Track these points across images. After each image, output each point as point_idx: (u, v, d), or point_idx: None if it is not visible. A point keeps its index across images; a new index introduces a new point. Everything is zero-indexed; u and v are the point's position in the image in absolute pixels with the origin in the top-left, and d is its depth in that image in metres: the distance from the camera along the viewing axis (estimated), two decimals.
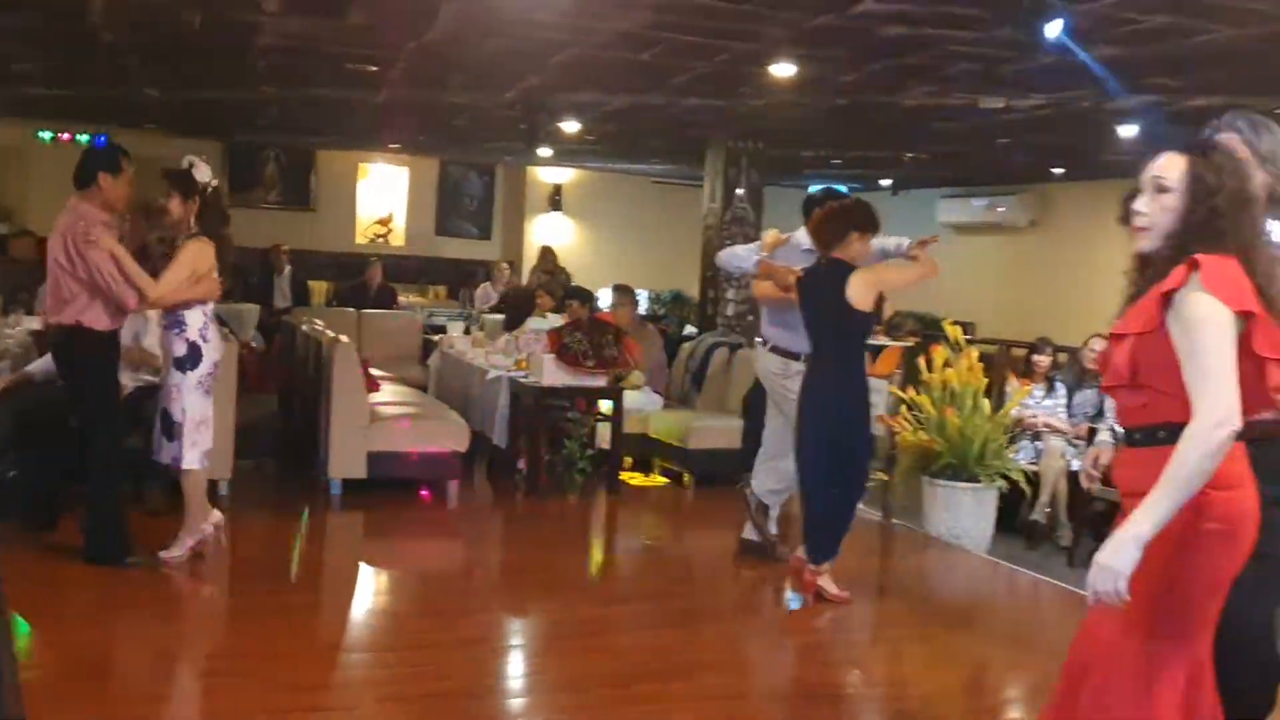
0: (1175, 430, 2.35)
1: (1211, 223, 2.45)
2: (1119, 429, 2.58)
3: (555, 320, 8.09)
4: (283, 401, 8.84)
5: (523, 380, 7.56)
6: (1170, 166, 2.51)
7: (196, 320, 4.98)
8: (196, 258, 4.92)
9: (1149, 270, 2.54)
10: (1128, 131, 7.90)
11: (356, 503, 6.60)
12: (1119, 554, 2.31)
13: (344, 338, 6.99)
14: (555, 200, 15.15)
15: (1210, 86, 6.02)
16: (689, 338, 9.81)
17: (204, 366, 5.01)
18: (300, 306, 11.75)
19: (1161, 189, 2.51)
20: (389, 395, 7.67)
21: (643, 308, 13.20)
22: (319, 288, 13.50)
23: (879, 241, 5.20)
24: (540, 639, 4.84)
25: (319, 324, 8.19)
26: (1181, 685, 2.48)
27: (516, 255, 14.81)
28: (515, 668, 4.47)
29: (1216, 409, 2.30)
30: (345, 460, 6.62)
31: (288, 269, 12.51)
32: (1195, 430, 2.30)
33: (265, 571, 5.35)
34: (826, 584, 5.13)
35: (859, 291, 4.74)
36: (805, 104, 7.47)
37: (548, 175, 15.12)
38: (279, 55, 7.14)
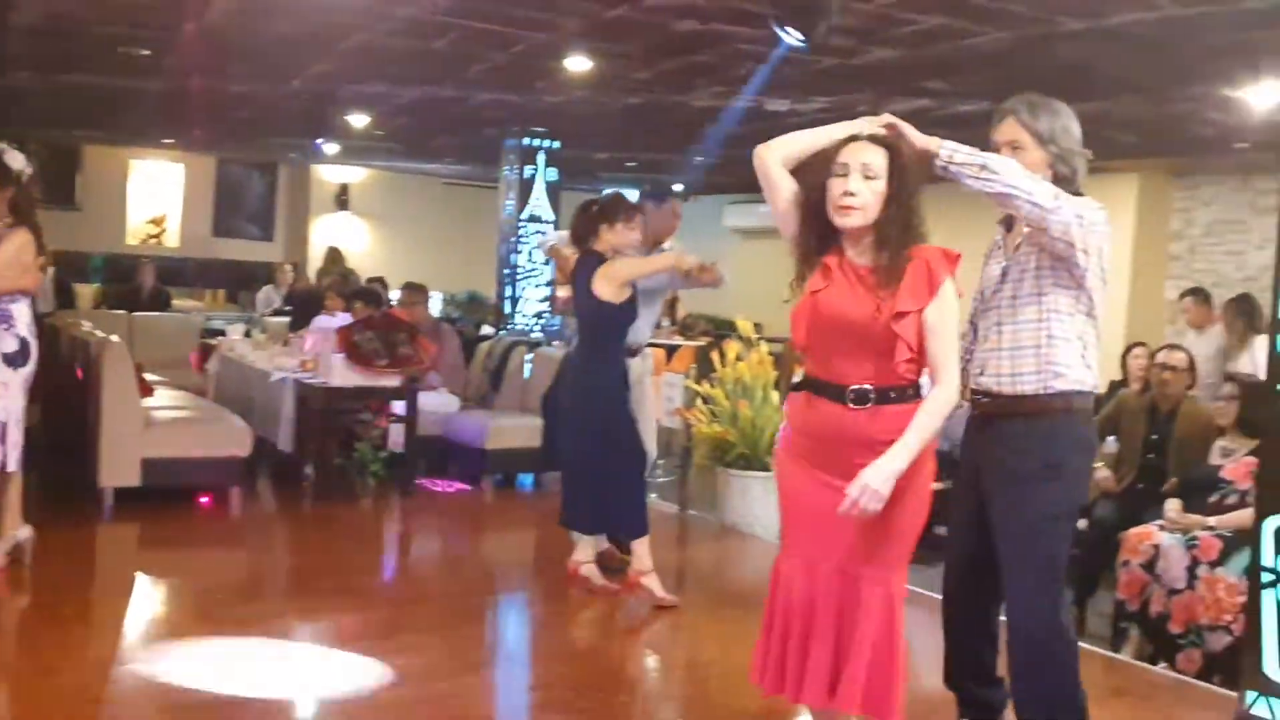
0: (908, 388, 2.81)
1: (912, 213, 2.78)
2: (872, 389, 2.81)
3: (344, 319, 7.82)
4: (46, 409, 8.25)
5: (310, 381, 7.29)
6: (875, 155, 2.78)
7: (25, 314, 4.75)
8: (23, 247, 4.72)
9: (841, 245, 2.86)
10: None
11: (131, 512, 6.20)
12: (886, 483, 2.70)
13: (114, 337, 6.58)
14: (342, 200, 14.74)
15: (977, 91, 6.36)
16: (486, 338, 9.70)
17: (32, 364, 4.76)
18: (65, 310, 11.00)
19: (870, 176, 2.77)
20: (164, 400, 7.26)
21: (437, 310, 13.00)
22: (86, 291, 12.69)
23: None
24: (332, 642, 4.63)
25: (87, 325, 7.68)
26: None
27: (301, 257, 14.31)
28: (306, 672, 4.28)
29: (956, 378, 2.81)
30: (117, 467, 6.22)
31: (50, 271, 11.65)
32: (944, 395, 2.78)
33: (32, 585, 4.94)
34: (653, 583, 5.17)
35: (600, 283, 4.86)
36: (600, 101, 7.49)
37: (334, 174, 14.69)
38: (39, 37, 6.63)
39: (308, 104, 8.17)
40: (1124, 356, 7.35)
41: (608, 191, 5.30)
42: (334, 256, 12.56)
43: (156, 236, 14.05)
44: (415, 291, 8.47)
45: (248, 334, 9.90)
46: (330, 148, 11.42)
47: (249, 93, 8.02)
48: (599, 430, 5.03)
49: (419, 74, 6.89)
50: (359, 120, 9.17)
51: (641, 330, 5.50)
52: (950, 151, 2.88)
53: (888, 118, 2.90)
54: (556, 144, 9.35)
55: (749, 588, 5.90)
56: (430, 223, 14.66)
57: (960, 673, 3.43)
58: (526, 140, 9.25)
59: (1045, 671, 3.12)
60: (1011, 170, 2.90)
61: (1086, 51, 5.00)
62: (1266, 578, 3.94)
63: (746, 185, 14.09)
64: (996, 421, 3.15)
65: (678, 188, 14.35)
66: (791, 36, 4.56)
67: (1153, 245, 10.44)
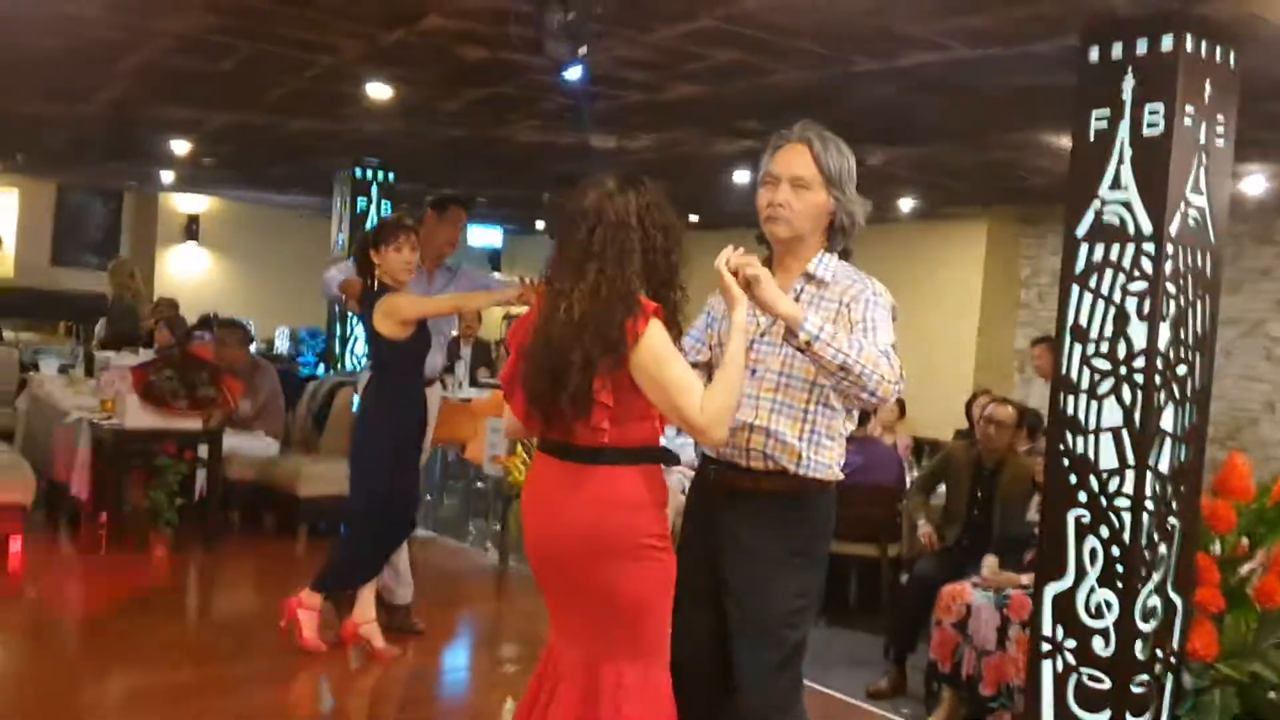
0: None
1: None
2: None
3: (145, 355, 7.36)
4: None
5: (104, 423, 6.81)
6: None
7: None
8: None
9: None
10: (741, 178, 8.09)
11: None
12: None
13: None
14: (191, 230, 14.13)
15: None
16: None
17: None
18: None
19: None
20: None
21: (284, 345, 12.52)
22: None
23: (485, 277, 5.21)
24: (123, 705, 4.33)
25: None
26: None
27: (147, 287, 13.65)
28: None
29: None
30: None
31: None
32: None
33: None
34: (373, 633, 4.88)
35: (378, 318, 4.59)
36: (420, 132, 7.15)
37: (183, 204, 14.08)
38: None
39: (115, 129, 7.68)
40: (969, 405, 7.22)
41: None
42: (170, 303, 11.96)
43: None
44: (231, 329, 8.01)
45: (63, 369, 9.33)
46: (166, 175, 10.87)
47: (46, 115, 7.49)
48: (377, 483, 4.72)
49: (217, 98, 6.48)
50: (180, 146, 8.70)
51: (435, 359, 5.21)
52: (811, 337, 2.48)
53: (752, 266, 2.54)
54: (390, 175, 8.97)
55: None
56: (280, 255, 14.06)
57: None
58: (358, 171, 8.86)
59: None
60: (874, 365, 2.51)
61: (888, 93, 4.84)
62: (1045, 647, 3.77)
63: None
64: (742, 497, 2.79)
65: (540, 225, 14.13)
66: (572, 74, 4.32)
67: (1002, 292, 10.42)
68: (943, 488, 6.21)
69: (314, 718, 4.40)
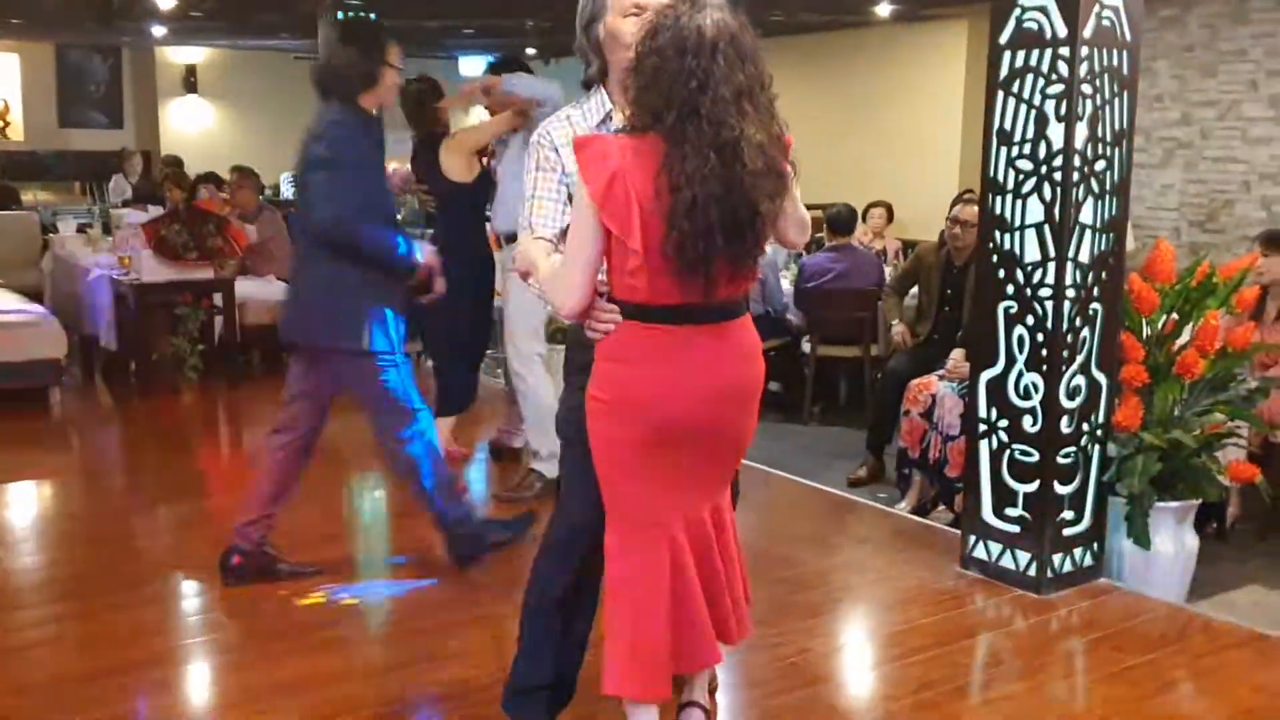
0: None
1: None
2: None
3: (155, 212, 7.69)
4: None
5: (122, 278, 7.21)
6: None
7: None
8: None
9: None
10: None
11: None
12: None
13: None
14: (190, 82, 14.20)
15: None
16: None
17: None
18: None
19: None
20: None
21: (290, 192, 12.73)
22: None
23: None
24: (170, 529, 4.80)
25: None
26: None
27: (153, 142, 13.87)
28: (141, 562, 4.37)
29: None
30: None
31: None
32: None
33: None
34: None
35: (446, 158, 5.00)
36: None
37: (179, 55, 14.10)
38: None
39: None
40: (952, 205, 7.40)
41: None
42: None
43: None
44: (243, 175, 8.35)
45: (81, 229, 9.67)
46: (158, 29, 10.92)
47: None
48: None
49: None
50: (164, 2, 8.79)
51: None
52: None
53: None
54: (371, 13, 9.00)
55: None
56: (280, 101, 14.08)
57: None
58: (340, 13, 8.90)
59: None
60: None
61: None
62: (981, 428, 4.13)
63: None
64: None
65: (531, 51, 14.07)
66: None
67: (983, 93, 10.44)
68: (916, 288, 6.45)
69: (345, 529, 4.83)
